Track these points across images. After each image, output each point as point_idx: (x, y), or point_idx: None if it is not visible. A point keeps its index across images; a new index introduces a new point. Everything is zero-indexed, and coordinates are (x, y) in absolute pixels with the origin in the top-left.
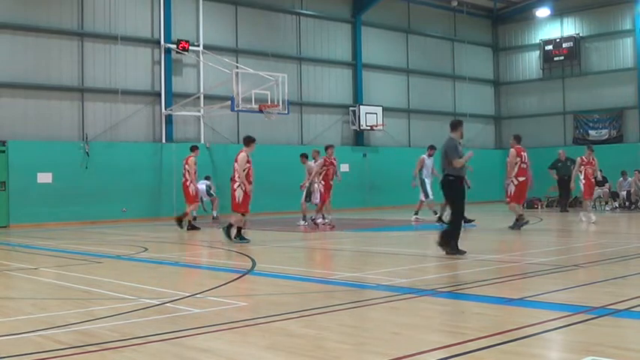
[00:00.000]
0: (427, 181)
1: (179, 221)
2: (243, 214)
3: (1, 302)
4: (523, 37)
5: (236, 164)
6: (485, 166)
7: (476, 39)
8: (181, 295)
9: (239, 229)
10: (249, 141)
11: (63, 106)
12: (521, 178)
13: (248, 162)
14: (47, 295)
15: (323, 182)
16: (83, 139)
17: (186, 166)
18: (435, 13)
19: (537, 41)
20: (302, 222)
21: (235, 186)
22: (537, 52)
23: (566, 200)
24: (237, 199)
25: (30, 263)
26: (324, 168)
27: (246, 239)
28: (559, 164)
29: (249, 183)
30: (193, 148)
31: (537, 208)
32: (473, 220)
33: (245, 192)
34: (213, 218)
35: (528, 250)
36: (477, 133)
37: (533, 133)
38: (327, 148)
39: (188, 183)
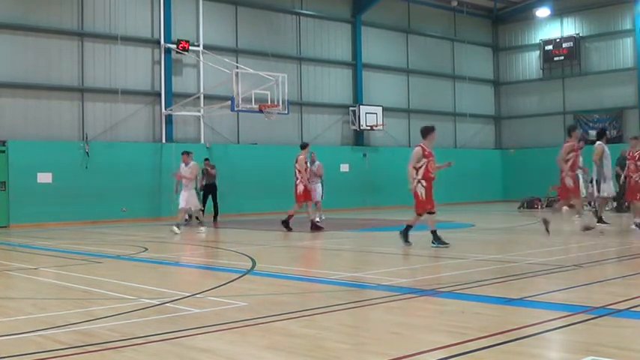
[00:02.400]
0: None
1: (286, 224)
2: (304, 206)
3: (1, 302)
4: (523, 37)
5: (297, 165)
6: (485, 166)
7: (476, 39)
8: (181, 295)
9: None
10: (305, 145)
11: (63, 106)
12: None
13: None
14: (47, 295)
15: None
16: (83, 139)
17: (297, 165)
18: (435, 13)
19: (537, 41)
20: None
21: (297, 182)
22: (537, 52)
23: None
24: (305, 196)
25: (30, 263)
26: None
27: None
28: (624, 162)
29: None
30: (303, 146)
31: (537, 208)
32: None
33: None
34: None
35: (528, 250)
36: (476, 132)
37: (532, 133)
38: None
39: (298, 182)
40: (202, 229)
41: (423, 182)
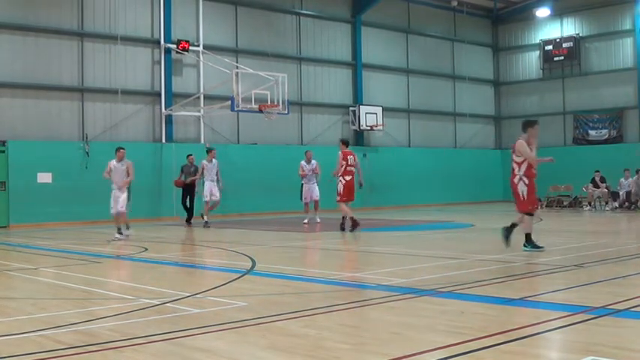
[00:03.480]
0: None
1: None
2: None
3: (2, 302)
4: (523, 37)
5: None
6: (485, 167)
7: (476, 39)
8: (181, 295)
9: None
10: (347, 142)
11: (63, 106)
12: None
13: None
14: (47, 295)
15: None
16: (83, 139)
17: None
18: (434, 13)
19: (537, 41)
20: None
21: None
22: (537, 52)
23: None
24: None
25: (30, 263)
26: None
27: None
28: None
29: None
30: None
31: (537, 208)
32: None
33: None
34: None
35: None
36: (476, 132)
37: None
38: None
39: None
40: (117, 236)
41: (525, 180)
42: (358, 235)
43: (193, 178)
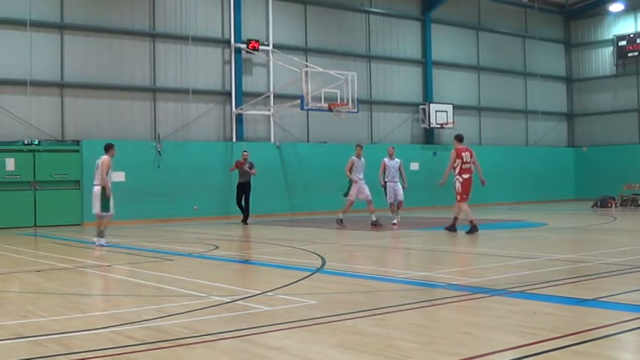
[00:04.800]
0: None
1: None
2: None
3: (76, 298)
4: (596, 33)
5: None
6: (557, 165)
7: (547, 35)
8: (252, 292)
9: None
10: (461, 137)
11: (135, 106)
12: None
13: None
14: (120, 292)
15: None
16: (155, 139)
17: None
18: (505, 10)
19: (611, 37)
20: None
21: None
22: (611, 48)
23: None
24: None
25: (104, 260)
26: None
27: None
28: None
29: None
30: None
31: (611, 207)
32: None
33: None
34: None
35: (601, 249)
36: (548, 130)
37: (606, 131)
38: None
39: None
40: (96, 240)
41: None
42: (475, 236)
43: (250, 172)
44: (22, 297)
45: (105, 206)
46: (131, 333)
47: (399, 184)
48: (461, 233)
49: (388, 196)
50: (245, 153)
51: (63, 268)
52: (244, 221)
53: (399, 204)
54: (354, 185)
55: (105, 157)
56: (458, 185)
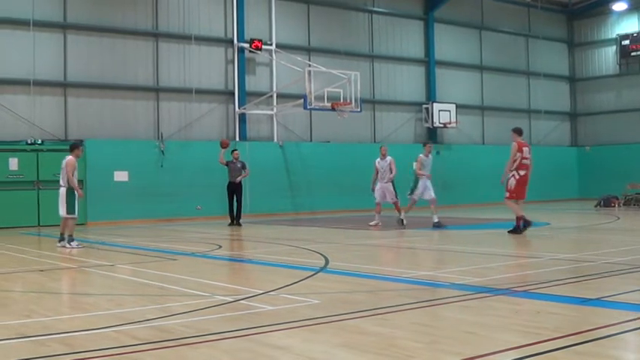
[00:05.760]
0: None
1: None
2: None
3: (79, 298)
4: (599, 32)
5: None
6: (561, 164)
7: (550, 34)
8: (255, 292)
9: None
10: (520, 131)
11: (138, 106)
12: None
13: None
14: (124, 292)
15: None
16: (158, 138)
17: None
18: (508, 9)
19: (614, 36)
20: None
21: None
22: (614, 47)
23: None
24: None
25: (107, 260)
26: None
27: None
28: None
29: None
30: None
31: (614, 206)
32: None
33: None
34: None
35: (604, 249)
36: (551, 130)
37: (609, 130)
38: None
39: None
40: (69, 244)
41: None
42: (524, 234)
43: (243, 175)
44: (25, 296)
45: (71, 208)
46: (134, 332)
47: (390, 184)
48: (527, 233)
49: (376, 196)
50: (236, 152)
51: (66, 268)
52: (237, 222)
53: (395, 204)
54: (421, 182)
55: (70, 158)
56: (512, 181)
